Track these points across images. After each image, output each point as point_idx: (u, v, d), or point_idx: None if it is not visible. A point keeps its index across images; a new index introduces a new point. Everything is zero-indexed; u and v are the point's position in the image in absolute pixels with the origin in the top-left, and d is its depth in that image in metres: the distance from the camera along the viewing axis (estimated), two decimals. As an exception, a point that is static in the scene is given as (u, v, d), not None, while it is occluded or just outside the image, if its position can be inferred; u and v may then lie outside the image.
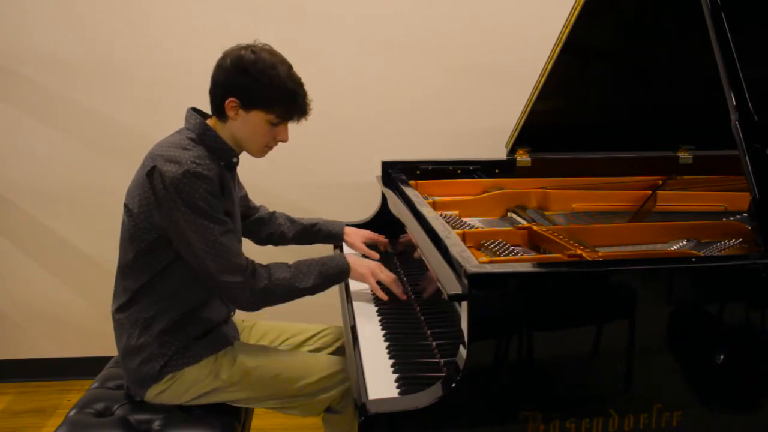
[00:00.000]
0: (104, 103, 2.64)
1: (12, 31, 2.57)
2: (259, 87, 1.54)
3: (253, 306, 1.58)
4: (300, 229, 2.05)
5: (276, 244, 2.08)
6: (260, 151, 1.65)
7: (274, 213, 2.06)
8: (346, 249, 2.13)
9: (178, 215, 1.49)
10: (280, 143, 1.65)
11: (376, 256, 1.99)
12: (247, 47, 1.57)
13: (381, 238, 2.08)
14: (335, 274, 1.68)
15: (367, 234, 2.07)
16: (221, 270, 1.52)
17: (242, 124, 1.58)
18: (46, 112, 2.64)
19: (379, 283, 1.72)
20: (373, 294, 1.75)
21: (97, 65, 2.61)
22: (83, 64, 2.60)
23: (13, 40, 2.57)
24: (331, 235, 2.08)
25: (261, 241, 2.06)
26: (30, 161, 2.67)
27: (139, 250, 1.57)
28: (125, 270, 1.61)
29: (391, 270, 1.76)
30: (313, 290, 1.65)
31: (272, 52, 1.58)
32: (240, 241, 1.76)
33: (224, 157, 1.62)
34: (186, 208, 1.48)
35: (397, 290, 1.71)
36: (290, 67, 1.59)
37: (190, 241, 1.51)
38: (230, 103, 1.56)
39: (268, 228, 2.03)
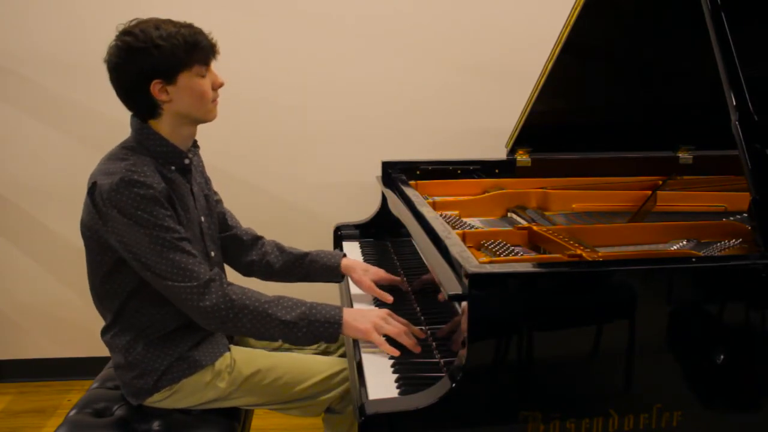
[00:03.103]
0: (104, 103, 2.63)
1: (12, 31, 2.57)
2: (166, 53, 1.43)
3: (208, 317, 1.42)
4: (289, 259, 1.81)
5: (262, 276, 1.85)
6: (211, 111, 1.54)
7: (261, 238, 1.85)
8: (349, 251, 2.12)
9: (117, 227, 1.41)
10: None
11: (390, 299, 1.68)
12: (123, 32, 1.46)
13: (397, 280, 1.78)
14: (320, 321, 1.44)
15: (380, 273, 1.77)
16: (171, 276, 1.41)
17: (179, 97, 1.47)
18: (46, 112, 2.64)
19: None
20: (374, 296, 1.74)
21: (97, 65, 2.58)
22: (83, 64, 2.60)
23: (13, 40, 2.57)
24: (326, 267, 1.81)
25: (243, 268, 1.85)
26: (30, 161, 2.67)
27: (103, 275, 1.51)
28: (98, 296, 1.57)
29: (406, 311, 1.55)
30: (289, 330, 1.44)
31: (143, 20, 1.47)
32: (217, 251, 1.68)
33: (173, 160, 1.53)
34: (123, 218, 1.39)
35: (408, 342, 1.43)
36: (168, 20, 1.48)
37: (133, 252, 1.41)
38: (155, 86, 1.45)
39: (251, 254, 1.82)
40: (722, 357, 1.24)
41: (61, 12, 2.56)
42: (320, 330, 1.45)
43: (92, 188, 1.44)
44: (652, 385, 1.23)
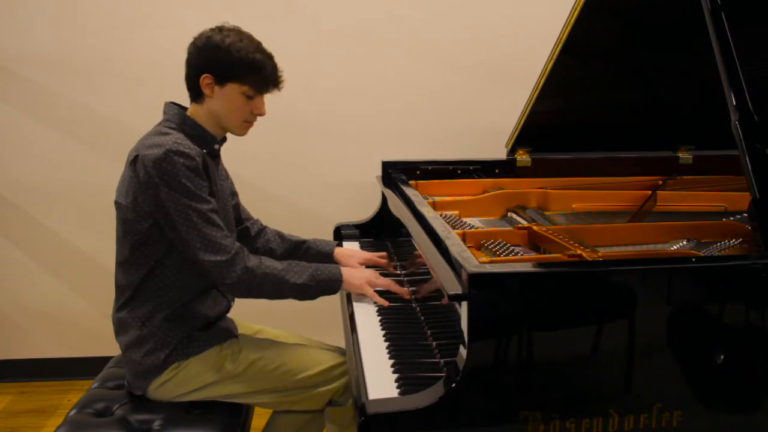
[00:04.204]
0: (104, 102, 2.64)
1: (12, 31, 2.57)
2: (230, 59, 1.58)
3: (236, 287, 1.57)
4: (289, 247, 1.98)
5: None
6: (240, 127, 1.67)
7: (264, 228, 2.00)
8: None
9: (161, 195, 1.51)
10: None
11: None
12: (214, 28, 1.63)
13: (381, 261, 1.93)
14: (326, 280, 1.66)
15: (365, 256, 1.95)
16: (203, 248, 1.53)
17: (219, 99, 1.62)
18: (45, 112, 2.64)
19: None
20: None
21: (97, 65, 2.61)
22: (83, 64, 2.60)
23: (13, 40, 2.57)
24: (320, 255, 1.98)
25: None
26: (30, 161, 2.67)
27: (133, 243, 1.59)
28: (123, 266, 1.63)
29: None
30: (302, 290, 1.63)
31: (240, 31, 1.63)
32: (232, 227, 1.77)
33: (205, 144, 1.65)
34: (167, 188, 1.51)
35: (398, 290, 1.71)
36: (259, 43, 1.64)
37: (173, 220, 1.52)
38: (205, 79, 1.60)
39: (256, 243, 1.97)
40: (722, 357, 1.24)
41: (61, 12, 2.56)
42: (326, 287, 1.66)
43: (135, 160, 1.55)
44: (652, 385, 1.23)
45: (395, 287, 1.72)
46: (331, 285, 1.67)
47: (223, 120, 1.65)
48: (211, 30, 1.62)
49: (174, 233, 1.55)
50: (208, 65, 1.60)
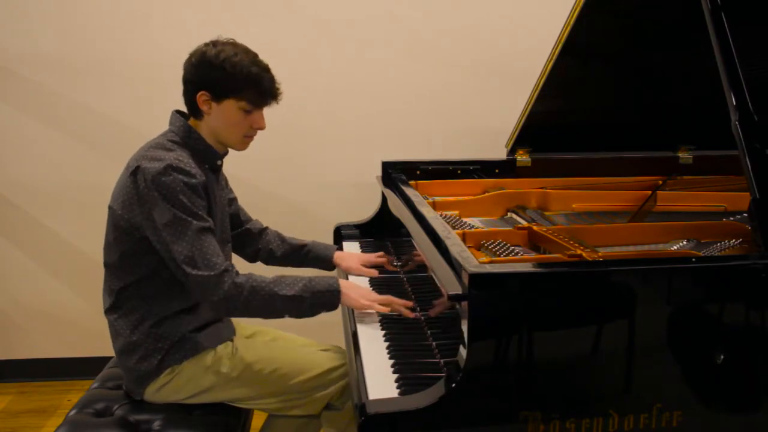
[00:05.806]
0: (104, 102, 2.64)
1: (12, 31, 2.57)
2: (225, 75, 1.56)
3: (222, 304, 1.51)
4: (288, 249, 1.98)
5: (265, 262, 2.02)
6: (240, 142, 1.66)
7: (265, 229, 2.00)
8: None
9: (156, 208, 1.50)
10: (259, 132, 1.67)
11: (374, 273, 1.89)
12: (209, 43, 1.60)
13: (381, 260, 1.95)
14: (322, 291, 1.56)
15: (364, 257, 1.97)
16: (190, 262, 1.49)
17: (217, 116, 1.60)
18: (45, 112, 2.64)
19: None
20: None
21: (97, 65, 2.61)
22: (83, 64, 2.60)
23: (13, 40, 2.57)
24: (320, 258, 1.99)
25: (249, 257, 2.01)
26: (30, 161, 2.67)
27: (123, 251, 1.58)
28: (111, 272, 1.63)
29: (401, 294, 1.66)
30: (296, 304, 1.55)
31: (235, 44, 1.60)
32: (227, 247, 1.75)
33: (208, 159, 1.65)
34: (164, 202, 1.49)
35: (400, 304, 1.59)
36: (255, 55, 1.61)
37: (161, 232, 1.50)
38: (201, 96, 1.58)
39: (257, 244, 1.97)
40: (722, 357, 1.24)
41: (61, 12, 2.56)
42: (322, 299, 1.57)
43: (136, 170, 1.53)
44: (652, 385, 1.23)
45: (397, 306, 1.59)
46: (328, 297, 1.58)
47: (222, 136, 1.63)
48: (206, 45, 1.60)
49: (161, 247, 1.51)
50: (204, 82, 1.58)
